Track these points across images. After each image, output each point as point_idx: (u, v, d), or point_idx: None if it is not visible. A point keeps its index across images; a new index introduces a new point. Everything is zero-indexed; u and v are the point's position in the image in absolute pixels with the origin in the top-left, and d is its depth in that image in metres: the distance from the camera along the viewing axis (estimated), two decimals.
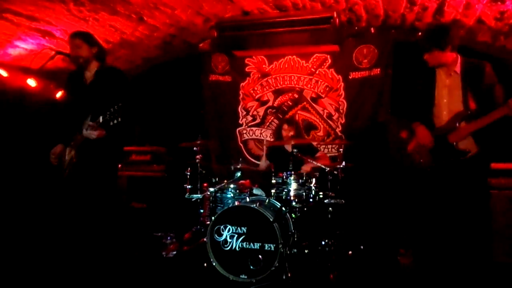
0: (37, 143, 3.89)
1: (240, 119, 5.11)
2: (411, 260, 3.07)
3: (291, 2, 3.96)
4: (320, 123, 4.79)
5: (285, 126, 4.19)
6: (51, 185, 3.05)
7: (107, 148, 2.77)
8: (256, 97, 5.04)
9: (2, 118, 4.13)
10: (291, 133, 4.12)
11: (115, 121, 2.51)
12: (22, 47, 4.04)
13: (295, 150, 3.57)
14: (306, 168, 3.88)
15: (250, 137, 5.08)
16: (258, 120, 5.04)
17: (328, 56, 4.72)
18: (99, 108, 2.66)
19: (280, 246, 2.74)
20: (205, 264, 2.93)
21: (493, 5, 3.38)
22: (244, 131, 5.10)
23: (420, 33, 4.07)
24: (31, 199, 4.02)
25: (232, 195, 3.47)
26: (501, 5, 3.35)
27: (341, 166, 3.51)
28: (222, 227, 2.92)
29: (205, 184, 3.88)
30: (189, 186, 3.76)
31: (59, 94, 4.33)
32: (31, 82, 4.18)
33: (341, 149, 4.01)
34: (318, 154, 4.10)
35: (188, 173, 3.80)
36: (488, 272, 2.74)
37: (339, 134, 4.69)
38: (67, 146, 2.84)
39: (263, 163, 4.39)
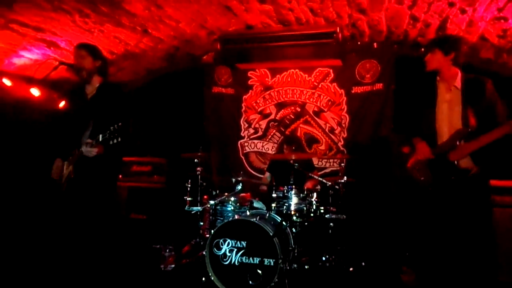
0: (38, 153, 3.89)
1: (242, 132, 5.11)
2: (414, 278, 3.01)
3: (295, 16, 4.00)
4: (322, 137, 4.78)
5: (285, 146, 4.26)
6: (50, 198, 3.03)
7: (105, 164, 2.75)
8: (259, 110, 5.05)
9: (4, 128, 4.14)
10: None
11: (115, 141, 2.50)
12: (27, 57, 4.07)
13: (296, 165, 3.55)
14: (308, 185, 3.86)
15: (251, 150, 5.07)
16: (260, 133, 5.04)
17: (331, 71, 4.73)
18: (99, 125, 2.66)
19: (280, 261, 2.70)
20: (203, 278, 2.88)
21: (496, 23, 3.39)
22: (246, 144, 5.09)
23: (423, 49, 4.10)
24: (30, 209, 4.00)
25: (232, 208, 3.44)
26: (504, 23, 3.36)
27: (343, 181, 3.49)
28: (221, 240, 2.88)
29: (205, 197, 3.86)
30: (189, 198, 3.74)
31: (62, 104, 4.34)
32: (35, 92, 4.20)
33: (342, 164, 3.98)
34: (308, 180, 4.06)
35: (189, 185, 3.78)
36: None
37: (341, 148, 4.67)
38: (65, 161, 2.83)
39: (266, 177, 4.40)
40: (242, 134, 5.11)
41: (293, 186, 3.36)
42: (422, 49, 4.10)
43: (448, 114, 2.67)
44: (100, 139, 2.55)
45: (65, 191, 2.78)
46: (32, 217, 3.91)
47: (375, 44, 4.46)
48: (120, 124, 2.49)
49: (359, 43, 4.49)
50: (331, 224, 3.36)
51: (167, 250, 3.50)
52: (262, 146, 5.02)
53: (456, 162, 2.57)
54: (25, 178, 4.13)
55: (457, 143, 2.58)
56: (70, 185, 2.77)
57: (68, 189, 2.78)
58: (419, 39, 4.07)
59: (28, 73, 4.21)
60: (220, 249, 2.87)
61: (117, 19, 3.72)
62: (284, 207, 3.30)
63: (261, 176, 4.77)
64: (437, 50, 2.66)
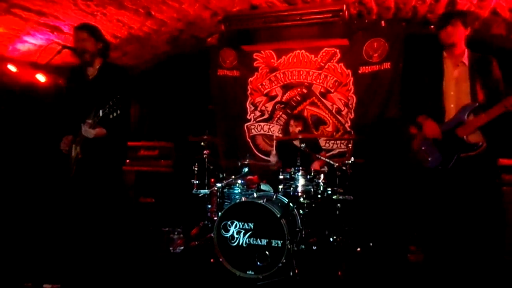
0: (46, 139, 3.91)
1: (248, 114, 5.08)
2: (421, 258, 3.02)
3: None
4: (329, 118, 4.74)
5: (292, 122, 4.17)
6: (59, 182, 3.06)
7: (110, 143, 2.76)
8: (265, 92, 5.00)
9: (12, 114, 4.16)
10: (298, 128, 4.10)
11: (115, 114, 2.51)
12: (31, 42, 4.06)
13: (303, 145, 3.53)
14: (315, 166, 3.83)
15: (258, 133, 5.05)
16: (266, 116, 5.01)
17: (337, 50, 4.65)
18: (101, 105, 2.66)
19: (288, 242, 2.71)
20: (212, 260, 2.92)
21: None
22: (252, 127, 5.07)
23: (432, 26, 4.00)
24: (39, 195, 4.05)
25: (239, 190, 3.45)
26: None
27: (350, 161, 3.47)
28: (229, 222, 2.90)
29: (212, 180, 3.87)
30: (197, 182, 3.75)
31: (64, 87, 4.34)
32: (41, 78, 4.20)
33: (350, 145, 3.95)
34: (315, 161, 4.02)
35: (196, 169, 3.79)
36: (499, 270, 2.68)
37: (348, 129, 4.63)
38: (73, 143, 2.84)
39: (273, 159, 4.37)
40: (248, 117, 5.08)
41: (300, 168, 3.35)
42: (432, 26, 4.02)
43: (455, 91, 2.65)
44: (101, 115, 2.55)
45: (75, 173, 2.79)
46: (41, 201, 3.96)
47: (382, 22, 4.34)
48: (118, 96, 2.49)
49: (366, 21, 4.37)
50: (339, 205, 3.35)
51: (176, 233, 3.54)
52: (269, 129, 5.00)
53: (465, 137, 2.55)
54: (35, 164, 4.18)
55: (465, 118, 2.55)
56: (79, 166, 2.78)
57: (77, 172, 2.79)
58: (428, 16, 3.96)
59: (33, 59, 4.20)
60: (228, 231, 2.90)
61: (120, 1, 3.66)
62: (291, 188, 3.29)
63: (268, 158, 4.76)
64: (459, 22, 2.61)
